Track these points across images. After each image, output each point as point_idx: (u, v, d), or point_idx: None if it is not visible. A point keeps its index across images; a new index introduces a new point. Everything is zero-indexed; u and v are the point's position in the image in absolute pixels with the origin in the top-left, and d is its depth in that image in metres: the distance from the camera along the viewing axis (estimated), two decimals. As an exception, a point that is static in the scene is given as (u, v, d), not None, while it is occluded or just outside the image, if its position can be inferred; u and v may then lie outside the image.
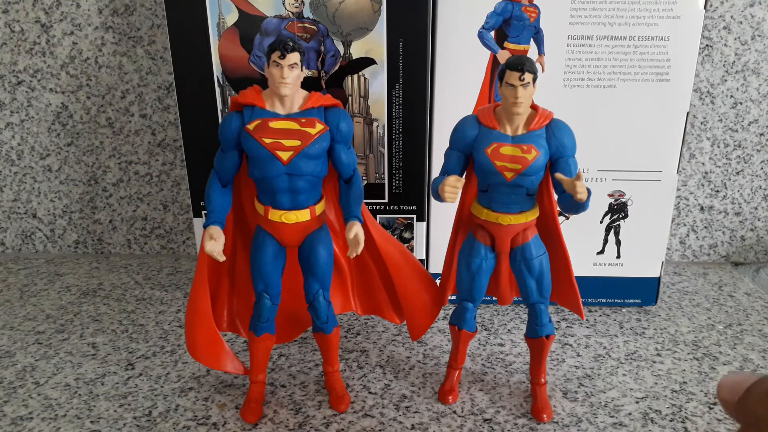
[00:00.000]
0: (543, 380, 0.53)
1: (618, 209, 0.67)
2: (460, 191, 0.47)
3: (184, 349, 0.62)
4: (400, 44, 0.61)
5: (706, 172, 0.81)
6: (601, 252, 0.68)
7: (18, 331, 0.66)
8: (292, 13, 0.61)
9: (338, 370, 0.54)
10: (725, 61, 0.76)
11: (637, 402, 0.53)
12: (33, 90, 0.81)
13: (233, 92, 0.63)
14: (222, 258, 0.47)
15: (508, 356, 0.61)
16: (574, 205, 0.46)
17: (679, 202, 0.83)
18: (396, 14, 0.61)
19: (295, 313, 0.57)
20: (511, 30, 0.61)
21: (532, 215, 0.49)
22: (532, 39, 0.61)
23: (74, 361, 0.60)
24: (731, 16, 0.75)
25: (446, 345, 0.63)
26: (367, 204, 0.66)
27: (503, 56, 0.62)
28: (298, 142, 0.46)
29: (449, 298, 0.56)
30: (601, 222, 0.67)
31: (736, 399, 0.26)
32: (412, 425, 0.50)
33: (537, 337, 0.51)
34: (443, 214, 0.66)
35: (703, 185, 0.82)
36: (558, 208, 0.49)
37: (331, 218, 0.55)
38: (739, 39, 0.75)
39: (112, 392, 0.55)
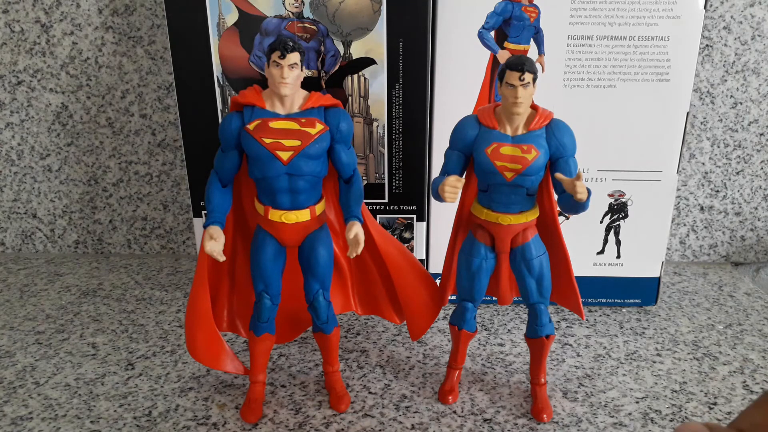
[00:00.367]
0: (543, 380, 0.53)
1: (618, 209, 0.67)
2: (460, 191, 0.47)
3: (184, 349, 0.62)
4: (400, 44, 0.61)
5: (706, 172, 0.81)
6: (601, 252, 0.68)
7: (18, 331, 0.66)
8: (292, 13, 0.61)
9: (338, 370, 0.54)
10: (725, 61, 0.76)
11: (637, 402, 0.53)
12: (33, 90, 0.81)
13: (233, 92, 0.63)
14: (222, 258, 0.47)
15: (508, 356, 0.61)
16: (574, 205, 0.46)
17: (679, 202, 0.83)
18: (396, 14, 0.61)
19: (295, 313, 0.57)
20: (511, 30, 0.61)
21: (532, 215, 0.49)
22: (532, 39, 0.61)
23: (74, 361, 0.60)
24: (731, 16, 0.75)
25: (446, 345, 0.63)
26: (367, 204, 0.66)
27: (503, 56, 0.62)
28: (298, 142, 0.46)
29: (449, 298, 0.56)
30: (601, 222, 0.67)
31: None
32: (412, 425, 0.50)
33: (537, 337, 0.51)
34: (443, 214, 0.66)
35: (703, 185, 0.82)
36: (558, 208, 0.49)
37: (331, 218, 0.55)
38: (739, 39, 0.75)
39: (112, 392, 0.55)
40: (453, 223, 0.53)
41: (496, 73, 0.58)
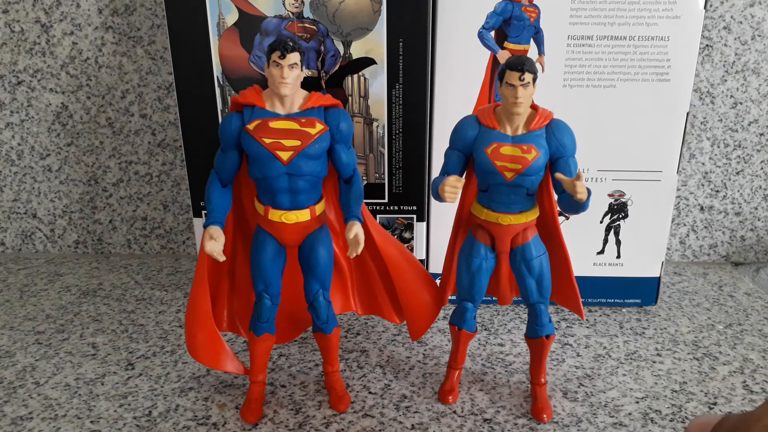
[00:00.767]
0: (543, 380, 0.53)
1: (618, 209, 0.67)
2: (460, 191, 0.47)
3: (184, 349, 0.62)
4: (400, 44, 0.61)
5: (706, 172, 0.81)
6: (601, 252, 0.68)
7: (18, 331, 0.66)
8: (292, 13, 0.61)
9: (338, 370, 0.54)
10: (725, 61, 0.76)
11: (637, 402, 0.53)
12: (33, 90, 0.81)
13: (233, 92, 0.63)
14: (222, 258, 0.47)
15: (508, 356, 0.61)
16: (574, 205, 0.46)
17: (679, 202, 0.83)
18: (396, 14, 0.61)
19: (295, 313, 0.57)
20: (511, 30, 0.61)
21: (532, 215, 0.49)
22: (532, 39, 0.61)
23: (74, 361, 0.60)
24: (731, 16, 0.75)
25: (446, 345, 0.63)
26: (367, 204, 0.66)
27: (503, 56, 0.62)
28: (298, 142, 0.46)
29: (449, 298, 0.56)
30: (601, 222, 0.67)
31: None
32: (412, 425, 0.50)
33: (537, 337, 0.51)
34: (443, 214, 0.66)
35: (703, 185, 0.82)
36: (558, 208, 0.49)
37: (331, 218, 0.55)
38: (739, 39, 0.75)
39: (112, 392, 0.55)
40: (453, 223, 0.53)
41: (496, 73, 0.58)
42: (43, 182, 0.85)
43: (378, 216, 0.67)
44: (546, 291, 0.50)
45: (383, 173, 0.66)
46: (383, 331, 0.66)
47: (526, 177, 0.46)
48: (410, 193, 0.67)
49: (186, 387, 0.56)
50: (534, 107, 0.48)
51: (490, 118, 0.47)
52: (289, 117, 0.47)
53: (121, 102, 0.81)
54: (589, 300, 0.71)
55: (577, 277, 0.52)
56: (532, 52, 0.62)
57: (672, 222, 0.83)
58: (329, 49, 0.62)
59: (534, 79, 0.45)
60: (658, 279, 0.69)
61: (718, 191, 0.82)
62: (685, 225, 0.84)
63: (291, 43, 0.45)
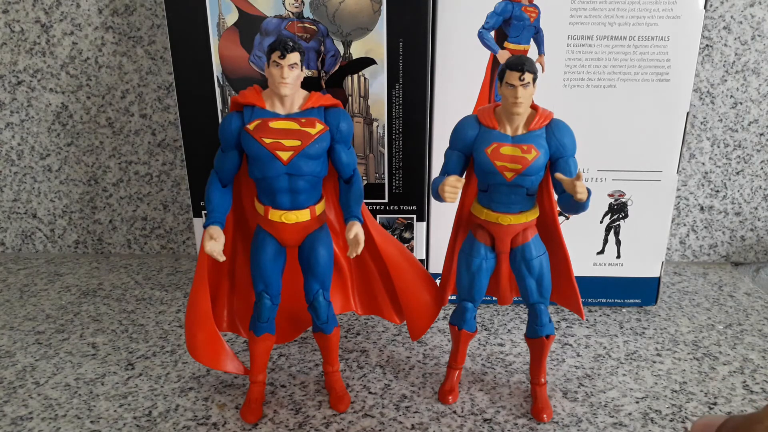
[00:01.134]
0: (543, 380, 0.53)
1: (618, 209, 0.67)
2: (460, 191, 0.47)
3: (184, 349, 0.62)
4: (400, 44, 0.61)
5: (706, 172, 0.81)
6: (601, 252, 0.68)
7: (18, 331, 0.66)
8: (292, 13, 0.61)
9: (338, 370, 0.54)
10: (725, 61, 0.76)
11: (637, 402, 0.53)
12: (33, 90, 0.81)
13: (233, 92, 0.63)
14: (222, 258, 0.47)
15: (508, 356, 0.61)
16: (574, 205, 0.46)
17: (679, 202, 0.83)
18: (396, 14, 0.61)
19: (295, 313, 0.57)
20: (511, 30, 0.61)
21: (532, 215, 0.49)
22: (532, 39, 0.61)
23: (74, 361, 0.60)
24: (731, 16, 0.75)
25: (446, 345, 0.63)
26: (367, 204, 0.66)
27: (503, 56, 0.62)
28: (298, 142, 0.46)
29: (449, 298, 0.56)
30: (601, 222, 0.67)
31: None
32: (412, 425, 0.50)
33: (537, 337, 0.51)
34: (443, 214, 0.66)
35: (703, 185, 0.82)
36: (558, 208, 0.49)
37: (331, 218, 0.55)
38: (739, 39, 0.75)
39: (112, 392, 0.55)
40: (453, 223, 0.53)
41: (496, 73, 0.58)
42: (43, 182, 0.85)
43: (378, 216, 0.67)
44: (546, 291, 0.50)
45: (383, 173, 0.66)
46: (383, 331, 0.66)
47: (526, 177, 0.46)
48: (410, 193, 0.67)
49: (186, 387, 0.56)
50: (534, 107, 0.48)
51: (490, 118, 0.47)
52: (289, 117, 0.47)
53: (121, 102, 0.81)
54: (589, 300, 0.71)
55: (577, 277, 0.52)
56: (532, 52, 0.62)
57: (672, 222, 0.83)
58: (329, 49, 0.62)
59: (534, 79, 0.45)
60: (658, 279, 0.69)
61: (718, 191, 0.82)
62: (685, 225, 0.84)
63: (291, 43, 0.45)
